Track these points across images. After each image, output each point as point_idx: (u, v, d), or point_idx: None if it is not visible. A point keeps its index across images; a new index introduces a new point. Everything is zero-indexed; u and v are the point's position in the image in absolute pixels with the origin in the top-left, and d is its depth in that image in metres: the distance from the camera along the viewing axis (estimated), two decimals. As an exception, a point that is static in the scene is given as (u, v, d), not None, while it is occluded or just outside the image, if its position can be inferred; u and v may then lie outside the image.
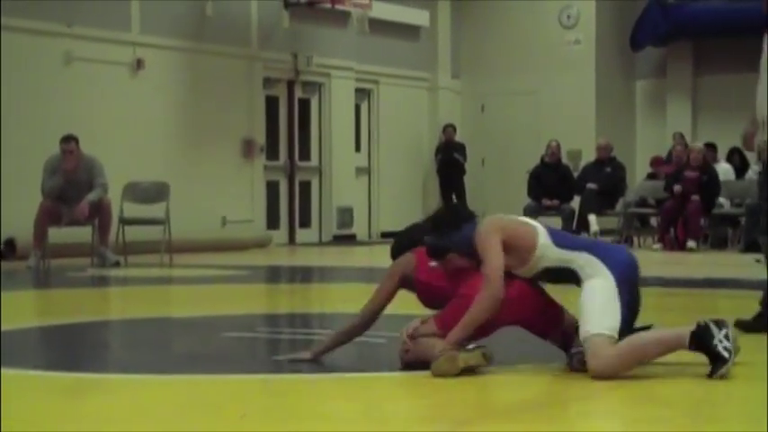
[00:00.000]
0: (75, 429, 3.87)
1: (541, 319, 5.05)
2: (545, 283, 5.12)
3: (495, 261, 4.88)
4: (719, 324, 4.72)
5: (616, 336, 4.73)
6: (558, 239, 5.00)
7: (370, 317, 5.24)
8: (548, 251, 4.95)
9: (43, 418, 4.06)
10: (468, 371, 4.73)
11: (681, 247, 15.36)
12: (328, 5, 17.41)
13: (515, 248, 4.94)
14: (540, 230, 5.00)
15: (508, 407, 4.28)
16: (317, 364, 5.16)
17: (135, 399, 4.47)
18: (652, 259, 14.44)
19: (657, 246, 15.71)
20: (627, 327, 4.82)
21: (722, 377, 4.62)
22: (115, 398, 4.51)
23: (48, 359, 5.93)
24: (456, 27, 20.88)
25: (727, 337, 4.67)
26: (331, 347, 5.27)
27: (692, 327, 4.72)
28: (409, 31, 19.85)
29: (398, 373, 4.93)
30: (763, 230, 6.24)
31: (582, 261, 4.90)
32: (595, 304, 4.78)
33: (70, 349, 6.19)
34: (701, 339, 4.68)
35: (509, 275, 4.96)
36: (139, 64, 15.42)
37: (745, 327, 6.11)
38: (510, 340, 5.57)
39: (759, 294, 6.39)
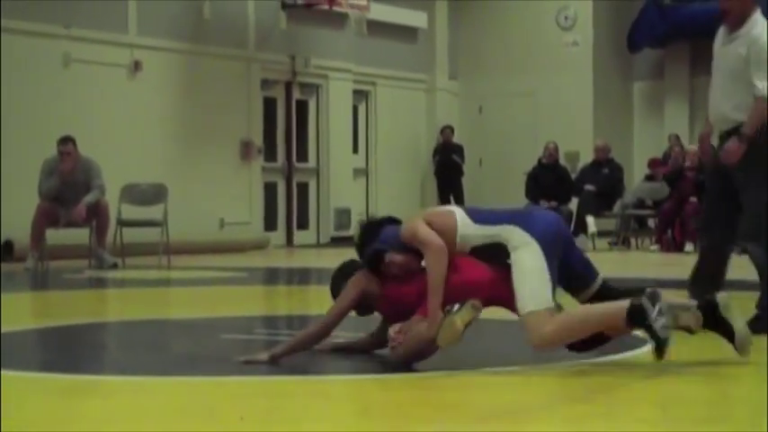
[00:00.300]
0: (73, 431, 3.87)
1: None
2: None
3: (424, 232, 5.02)
4: (653, 298, 4.77)
5: (551, 304, 4.87)
6: (477, 216, 5.14)
7: (332, 324, 5.22)
8: (469, 229, 5.09)
9: (42, 420, 4.05)
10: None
11: (678, 248, 15.36)
12: (326, 7, 17.41)
13: (438, 232, 5.05)
14: (456, 210, 5.18)
15: (508, 408, 4.28)
16: (302, 366, 5.15)
17: (133, 400, 4.47)
18: (649, 261, 14.45)
19: (655, 247, 15.71)
20: (568, 283, 5.06)
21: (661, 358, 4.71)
22: (113, 399, 4.50)
23: (46, 361, 5.92)
24: (454, 28, 20.88)
25: (660, 312, 4.72)
26: (289, 352, 5.20)
27: (627, 304, 4.77)
28: (407, 32, 19.85)
29: (397, 375, 4.93)
30: (747, 235, 6.36)
31: (507, 233, 5.01)
32: (525, 279, 4.89)
33: (68, 351, 6.19)
34: (635, 317, 4.74)
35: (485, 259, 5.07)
36: (137, 66, 15.41)
37: None
38: (510, 341, 5.58)
39: (756, 296, 6.40)
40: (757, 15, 6.25)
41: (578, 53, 20.21)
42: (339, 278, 5.37)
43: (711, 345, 5.09)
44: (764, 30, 6.18)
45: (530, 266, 4.90)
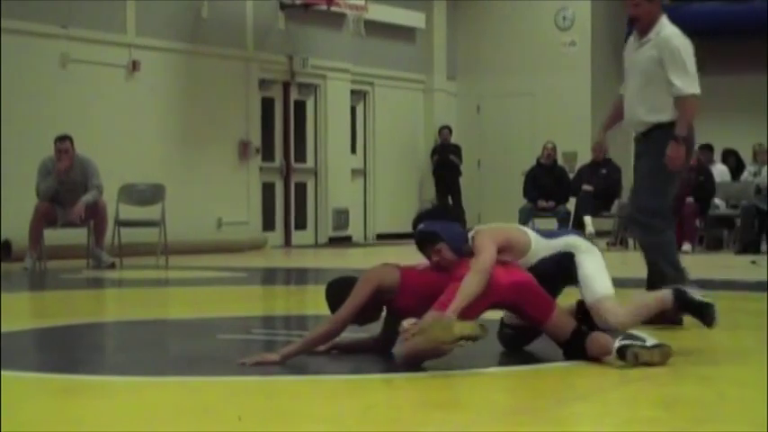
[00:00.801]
0: (73, 431, 3.87)
1: (534, 307, 5.10)
2: (545, 276, 5.33)
3: (486, 254, 5.14)
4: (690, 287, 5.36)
5: (614, 293, 5.35)
6: (545, 234, 5.54)
7: (343, 323, 5.20)
8: (540, 246, 5.41)
9: (42, 420, 4.05)
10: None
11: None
12: (324, 7, 17.42)
13: (513, 248, 5.32)
14: (530, 232, 5.48)
15: (508, 407, 4.28)
16: (298, 367, 5.15)
17: (131, 401, 4.46)
18: (648, 261, 14.43)
19: (653, 247, 15.69)
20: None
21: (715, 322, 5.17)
22: (111, 400, 4.50)
23: (44, 361, 5.91)
24: (452, 29, 20.88)
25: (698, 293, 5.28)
26: (300, 352, 5.18)
27: (669, 290, 5.37)
28: (405, 32, 19.86)
29: (397, 375, 4.92)
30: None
31: (573, 241, 5.45)
32: (597, 273, 5.34)
33: (66, 351, 6.18)
34: (681, 298, 5.23)
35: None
36: (135, 66, 15.41)
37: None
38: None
39: (754, 295, 6.45)
40: (664, 19, 6.44)
41: (576, 53, 20.22)
42: (335, 290, 5.34)
43: (712, 345, 5.09)
44: (673, 31, 6.33)
45: (598, 263, 5.39)
